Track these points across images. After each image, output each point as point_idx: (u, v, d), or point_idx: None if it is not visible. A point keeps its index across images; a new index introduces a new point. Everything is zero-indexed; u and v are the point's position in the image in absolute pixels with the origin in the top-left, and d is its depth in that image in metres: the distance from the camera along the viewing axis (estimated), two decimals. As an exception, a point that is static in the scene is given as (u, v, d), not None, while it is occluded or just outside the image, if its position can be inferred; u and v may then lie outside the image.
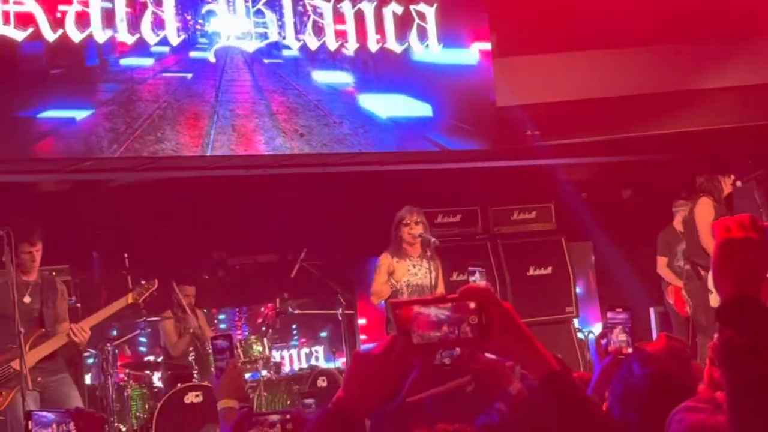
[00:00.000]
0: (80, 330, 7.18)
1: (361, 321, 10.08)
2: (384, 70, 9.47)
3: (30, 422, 3.65)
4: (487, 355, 2.88)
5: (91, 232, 9.21)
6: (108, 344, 8.68)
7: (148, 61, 8.40)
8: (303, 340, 10.71)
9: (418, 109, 9.58)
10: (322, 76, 9.24)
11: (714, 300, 8.97)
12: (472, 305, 1.99)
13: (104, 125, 8.17)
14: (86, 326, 7.22)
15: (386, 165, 9.86)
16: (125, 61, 8.33)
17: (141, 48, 8.38)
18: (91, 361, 9.09)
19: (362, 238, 9.62)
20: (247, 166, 9.18)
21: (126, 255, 8.13)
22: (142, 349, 9.89)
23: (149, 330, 9.28)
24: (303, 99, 9.10)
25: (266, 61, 9.00)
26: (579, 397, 2.00)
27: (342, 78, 9.32)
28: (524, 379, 2.84)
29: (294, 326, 10.63)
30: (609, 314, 4.05)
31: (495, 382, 2.78)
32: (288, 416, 3.53)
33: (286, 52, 9.11)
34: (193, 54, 8.66)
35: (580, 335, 10.24)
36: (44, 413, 3.72)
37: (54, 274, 7.94)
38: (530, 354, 1.99)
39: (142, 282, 7.64)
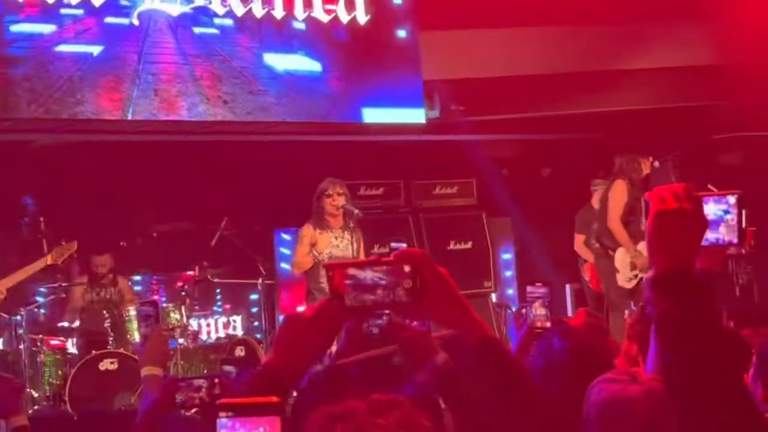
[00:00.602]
0: None
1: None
2: (308, 42, 9.41)
3: None
4: (415, 323, 2.89)
5: (6, 195, 8.99)
6: (21, 309, 8.53)
7: (49, 28, 8.14)
8: (223, 308, 10.63)
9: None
10: (247, 43, 9.14)
11: (621, 278, 9.20)
12: (407, 269, 1.98)
13: (22, 85, 7.98)
14: (2, 287, 7.09)
15: (309, 135, 9.82)
16: (30, 27, 8.10)
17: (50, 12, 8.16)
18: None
19: (283, 208, 9.57)
20: (168, 131, 9.05)
21: (42, 218, 7.96)
22: (57, 313, 9.71)
23: (64, 295, 9.11)
24: (227, 65, 9.00)
25: (196, 30, 8.86)
26: (512, 362, 2.02)
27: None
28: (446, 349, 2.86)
29: (215, 294, 10.53)
30: (528, 288, 4.11)
31: (421, 352, 2.80)
32: (216, 380, 3.52)
33: (216, 20, 8.98)
34: (111, 20, 8.48)
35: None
36: None
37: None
38: (464, 319, 2.00)
39: (63, 243, 7.50)
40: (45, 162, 9.37)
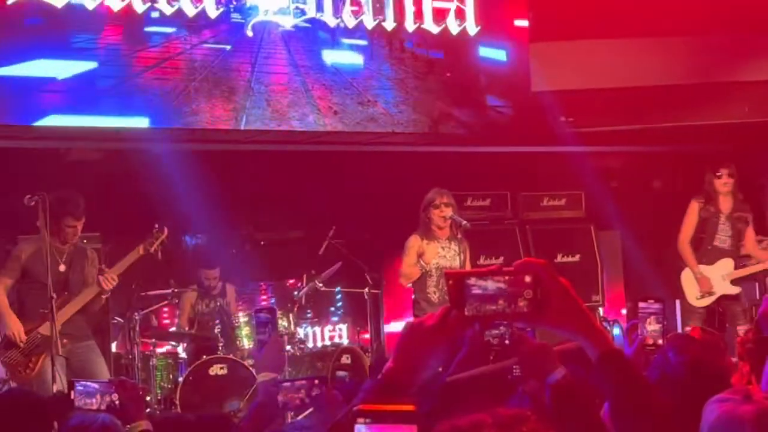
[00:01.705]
0: (110, 278, 7.23)
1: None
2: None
3: (73, 391, 3.67)
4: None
5: (123, 201, 9.23)
6: (135, 313, 8.75)
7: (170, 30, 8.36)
8: (330, 316, 10.73)
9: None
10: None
11: (690, 296, 9.19)
12: (528, 279, 1.97)
13: (140, 95, 8.19)
14: (114, 274, 7.29)
15: (418, 146, 9.85)
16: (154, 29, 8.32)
17: (177, 19, 8.38)
18: (116, 331, 9.14)
19: (392, 218, 9.61)
20: (279, 141, 9.18)
21: (156, 226, 8.14)
22: (169, 319, 9.93)
23: (176, 301, 9.31)
24: (338, 77, 9.10)
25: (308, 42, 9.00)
26: (636, 375, 2.00)
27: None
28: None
29: (322, 302, 10.63)
30: (641, 305, 4.05)
31: (541, 366, 2.78)
32: (316, 381, 3.56)
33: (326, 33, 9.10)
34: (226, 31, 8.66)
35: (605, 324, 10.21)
36: (88, 383, 3.75)
37: (85, 241, 7.99)
38: (587, 331, 1.98)
39: (154, 230, 7.63)
40: (158, 170, 9.59)
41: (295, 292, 9.67)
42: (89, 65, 8.07)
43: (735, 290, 9.14)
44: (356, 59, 9.24)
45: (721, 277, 9.12)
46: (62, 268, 7.29)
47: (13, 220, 8.79)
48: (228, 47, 8.63)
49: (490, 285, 1.99)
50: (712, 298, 9.19)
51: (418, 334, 2.06)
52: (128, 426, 3.50)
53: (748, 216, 9.21)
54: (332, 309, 10.89)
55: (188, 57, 8.48)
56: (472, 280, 2.00)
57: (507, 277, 1.99)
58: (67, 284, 7.30)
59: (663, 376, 3.26)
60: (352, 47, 9.22)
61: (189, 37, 8.47)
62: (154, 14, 8.30)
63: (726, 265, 9.14)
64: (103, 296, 7.39)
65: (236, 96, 8.59)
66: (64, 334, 7.14)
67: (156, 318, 9.66)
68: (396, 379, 2.03)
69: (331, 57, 9.11)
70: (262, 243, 11.06)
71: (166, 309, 9.73)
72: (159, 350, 9.03)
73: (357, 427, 1.48)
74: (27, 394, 4.20)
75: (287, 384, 3.54)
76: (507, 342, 2.76)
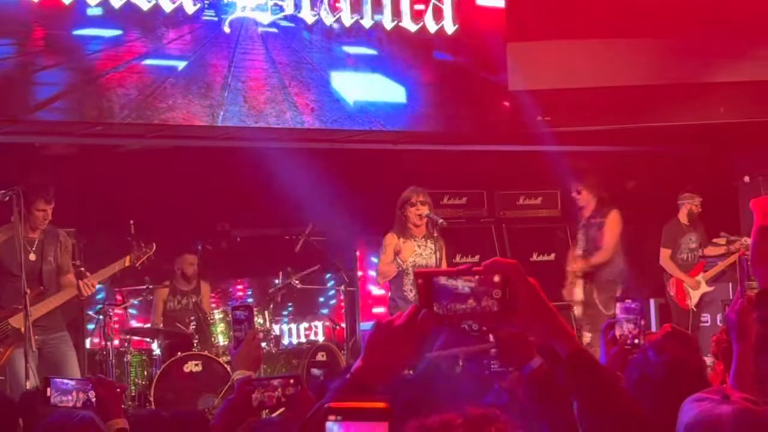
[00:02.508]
0: (90, 284, 7.24)
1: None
2: (398, 50, 9.46)
3: (49, 389, 3.66)
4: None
5: (99, 196, 9.19)
6: (110, 309, 8.71)
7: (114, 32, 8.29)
8: (305, 313, 10.72)
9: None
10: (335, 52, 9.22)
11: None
12: (497, 279, 1.98)
13: (116, 90, 8.16)
14: (95, 281, 7.30)
15: (395, 144, 9.85)
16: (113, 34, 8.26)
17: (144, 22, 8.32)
18: (91, 326, 9.11)
19: (368, 216, 9.61)
20: (255, 138, 9.17)
21: (132, 222, 8.12)
22: (142, 315, 9.90)
23: (150, 297, 9.29)
24: (316, 74, 9.09)
25: (285, 39, 8.98)
26: (604, 373, 2.01)
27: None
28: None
29: (297, 300, 10.62)
30: (619, 305, 4.05)
31: (519, 353, 2.79)
32: (291, 380, 3.56)
33: (305, 30, 9.08)
34: (202, 28, 8.62)
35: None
36: (64, 380, 3.74)
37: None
38: (555, 330, 1.99)
39: (142, 245, 7.67)
40: (134, 166, 9.56)
41: (271, 289, 9.66)
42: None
43: None
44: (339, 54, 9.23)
45: None
46: (32, 257, 7.29)
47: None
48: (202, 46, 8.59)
49: (460, 284, 1.99)
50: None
51: (386, 333, 2.07)
52: (106, 424, 3.48)
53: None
54: (308, 306, 10.89)
55: (164, 54, 8.45)
56: (442, 280, 2.01)
57: (476, 277, 2.00)
58: (40, 275, 7.29)
59: (642, 375, 3.27)
60: (331, 43, 9.20)
61: (167, 33, 8.43)
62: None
63: None
64: (81, 298, 7.39)
65: (213, 92, 8.56)
66: (37, 327, 7.14)
67: (131, 313, 9.62)
68: (365, 378, 2.04)
69: (309, 54, 9.08)
70: (238, 239, 11.04)
71: (138, 305, 9.71)
72: (133, 347, 8.99)
73: (328, 425, 1.48)
74: None
75: (263, 382, 3.53)
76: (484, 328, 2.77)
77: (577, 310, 8.94)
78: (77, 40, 8.06)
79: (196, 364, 8.53)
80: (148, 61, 8.32)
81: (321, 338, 10.46)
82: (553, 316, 2.00)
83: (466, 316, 2.05)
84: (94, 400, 3.61)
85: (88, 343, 9.18)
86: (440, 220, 7.93)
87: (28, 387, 6.67)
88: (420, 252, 8.00)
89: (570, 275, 9.06)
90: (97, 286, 7.58)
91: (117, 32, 8.20)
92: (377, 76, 9.40)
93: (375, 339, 2.09)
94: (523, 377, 2.77)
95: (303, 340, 10.54)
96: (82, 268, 7.64)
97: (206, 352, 8.70)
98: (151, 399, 8.33)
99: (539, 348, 2.89)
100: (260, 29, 8.85)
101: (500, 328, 2.76)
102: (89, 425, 3.41)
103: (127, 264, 7.53)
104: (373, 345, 2.09)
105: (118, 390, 3.77)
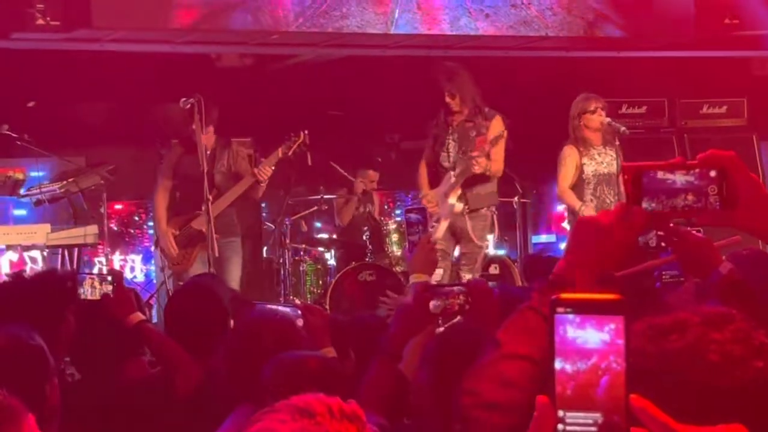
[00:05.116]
0: (264, 169, 7.46)
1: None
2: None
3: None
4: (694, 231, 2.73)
5: (273, 107, 9.26)
6: (286, 219, 8.85)
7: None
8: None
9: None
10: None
11: None
12: (713, 173, 1.84)
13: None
14: (267, 166, 7.47)
15: (572, 51, 9.54)
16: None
17: None
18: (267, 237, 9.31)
19: (541, 126, 9.38)
20: (429, 46, 9.02)
21: (305, 131, 8.14)
22: (318, 224, 10.01)
23: (326, 207, 9.36)
24: (491, -21, 8.84)
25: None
26: None
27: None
28: None
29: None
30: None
31: (705, 261, 2.66)
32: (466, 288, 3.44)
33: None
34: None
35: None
36: (270, 306, 3.79)
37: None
38: None
39: (291, 135, 7.75)
40: (307, 77, 9.59)
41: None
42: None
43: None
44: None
45: None
46: (204, 167, 7.47)
47: (166, 125, 8.97)
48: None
49: (678, 178, 1.85)
50: None
51: (592, 231, 1.94)
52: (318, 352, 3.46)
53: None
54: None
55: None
56: (657, 173, 1.86)
57: (696, 170, 1.85)
58: (212, 182, 7.45)
59: None
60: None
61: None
62: None
63: None
64: (261, 184, 7.55)
65: (386, -1, 8.43)
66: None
67: (305, 224, 9.73)
68: (568, 276, 1.92)
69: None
70: (409, 150, 10.97)
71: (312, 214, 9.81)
72: (309, 256, 9.10)
73: (558, 317, 1.34)
74: (208, 286, 4.27)
75: (444, 289, 3.43)
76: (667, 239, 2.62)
77: None
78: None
79: (370, 274, 8.57)
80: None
81: (491, 250, 10.37)
82: None
83: (680, 213, 1.91)
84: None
85: (265, 252, 9.37)
86: (622, 128, 7.66)
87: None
88: (600, 160, 7.74)
89: None
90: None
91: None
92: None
93: (579, 236, 1.98)
94: (712, 284, 2.61)
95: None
96: (256, 153, 7.81)
97: (380, 263, 8.72)
98: (327, 308, 8.43)
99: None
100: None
101: (684, 231, 2.63)
102: (290, 323, 3.43)
103: (280, 156, 7.62)
104: (577, 242, 1.97)
105: (326, 316, 3.76)
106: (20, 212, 8.47)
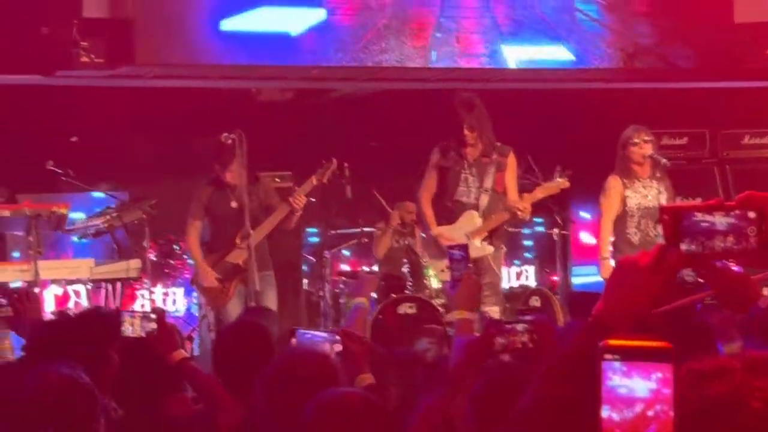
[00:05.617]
0: (298, 197, 7.48)
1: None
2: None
3: (294, 339, 3.73)
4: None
5: (314, 140, 9.32)
6: (326, 252, 8.86)
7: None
8: (518, 257, 10.59)
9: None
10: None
11: None
12: (752, 215, 1.82)
13: (331, 34, 8.21)
14: (301, 194, 7.51)
15: (612, 83, 9.53)
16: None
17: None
18: (305, 268, 9.32)
19: (582, 158, 9.35)
20: (469, 79, 9.05)
21: (346, 165, 8.18)
22: (355, 258, 10.02)
23: (365, 240, 9.38)
24: (529, 12, 8.86)
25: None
26: None
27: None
28: None
29: (511, 244, 10.48)
30: None
31: (744, 295, 2.63)
32: (533, 326, 3.43)
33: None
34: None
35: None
36: (309, 332, 3.79)
37: (277, 180, 8.17)
38: None
39: (323, 162, 7.77)
40: (346, 111, 9.64)
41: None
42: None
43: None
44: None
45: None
46: (234, 204, 7.49)
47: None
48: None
49: (718, 220, 1.84)
50: None
51: (630, 273, 1.93)
52: (355, 379, 3.48)
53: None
54: (515, 249, 10.72)
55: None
56: (696, 215, 1.86)
57: (736, 212, 1.84)
58: (241, 218, 7.50)
59: None
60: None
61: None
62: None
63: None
64: (296, 214, 7.57)
65: (425, 33, 8.48)
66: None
67: (346, 255, 9.75)
68: (607, 320, 1.91)
69: None
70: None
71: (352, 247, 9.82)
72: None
73: (605, 365, 1.34)
74: (255, 325, 4.32)
75: (509, 327, 3.42)
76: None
77: None
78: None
79: (410, 306, 8.53)
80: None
81: (533, 283, 10.31)
82: None
83: (720, 255, 1.89)
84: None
85: (305, 284, 9.39)
86: (663, 160, 7.61)
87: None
88: (645, 193, 7.68)
89: None
90: (312, 230, 7.76)
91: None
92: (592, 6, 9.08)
93: (618, 279, 1.96)
94: (753, 319, 2.59)
95: (514, 284, 10.42)
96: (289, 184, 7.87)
97: (420, 295, 8.70)
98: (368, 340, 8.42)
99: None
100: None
101: (722, 267, 2.60)
102: (324, 357, 3.43)
103: (314, 183, 7.64)
104: (616, 285, 1.96)
105: (366, 345, 3.76)
106: (66, 246, 8.57)
